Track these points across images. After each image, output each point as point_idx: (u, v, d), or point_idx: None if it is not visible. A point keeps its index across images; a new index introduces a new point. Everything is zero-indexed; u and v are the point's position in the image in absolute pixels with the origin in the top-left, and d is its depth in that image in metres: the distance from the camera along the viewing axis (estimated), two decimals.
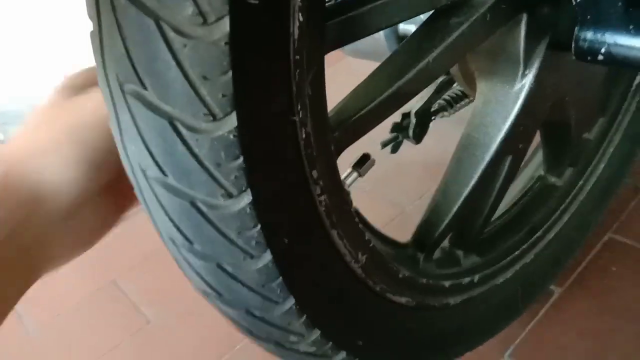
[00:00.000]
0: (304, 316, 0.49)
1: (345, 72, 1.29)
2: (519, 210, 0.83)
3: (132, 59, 0.35)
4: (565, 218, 0.85)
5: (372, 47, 0.72)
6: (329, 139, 0.47)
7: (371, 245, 0.54)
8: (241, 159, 0.37)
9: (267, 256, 0.43)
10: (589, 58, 0.54)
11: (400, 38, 0.71)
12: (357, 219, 0.52)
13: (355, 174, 0.57)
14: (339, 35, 0.47)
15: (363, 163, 0.57)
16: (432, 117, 0.81)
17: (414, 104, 0.82)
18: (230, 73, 0.34)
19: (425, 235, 0.67)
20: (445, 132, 0.88)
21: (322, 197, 0.46)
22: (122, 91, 0.36)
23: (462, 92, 0.84)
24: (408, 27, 0.69)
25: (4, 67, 1.74)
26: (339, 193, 0.50)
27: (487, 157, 0.63)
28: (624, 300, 0.87)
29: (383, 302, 0.59)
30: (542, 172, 0.84)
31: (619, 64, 0.53)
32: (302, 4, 0.37)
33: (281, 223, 0.44)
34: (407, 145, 0.86)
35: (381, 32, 0.72)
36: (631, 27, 0.51)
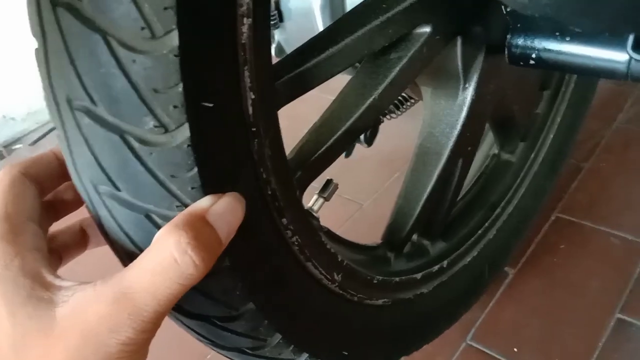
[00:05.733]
0: (292, 346, 0.51)
1: None
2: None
3: (81, 76, 0.34)
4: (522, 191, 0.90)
5: None
6: (293, 185, 0.48)
7: (345, 263, 0.56)
8: None
9: (251, 307, 0.44)
10: (521, 63, 0.58)
11: None
12: (328, 245, 0.54)
13: (321, 200, 0.59)
14: (289, 92, 0.48)
15: (327, 188, 0.59)
16: (382, 119, 0.85)
17: None
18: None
19: (393, 236, 0.70)
20: (394, 130, 0.92)
21: (294, 238, 0.47)
22: (71, 107, 0.35)
23: (408, 94, 0.88)
24: None
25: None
26: (309, 228, 0.51)
27: (441, 163, 0.67)
28: (571, 276, 0.91)
29: (362, 309, 0.62)
30: (496, 151, 0.90)
31: (550, 68, 0.57)
32: (252, 85, 0.39)
33: (260, 274, 0.45)
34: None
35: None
36: (557, 33, 0.55)
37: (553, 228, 1.01)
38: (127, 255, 0.40)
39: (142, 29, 0.32)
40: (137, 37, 0.32)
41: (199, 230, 0.34)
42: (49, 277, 0.35)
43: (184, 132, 0.34)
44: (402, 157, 1.18)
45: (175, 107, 0.34)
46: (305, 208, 0.56)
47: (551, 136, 0.92)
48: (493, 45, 0.62)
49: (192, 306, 0.43)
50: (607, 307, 0.86)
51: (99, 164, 0.36)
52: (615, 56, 0.52)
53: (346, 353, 0.60)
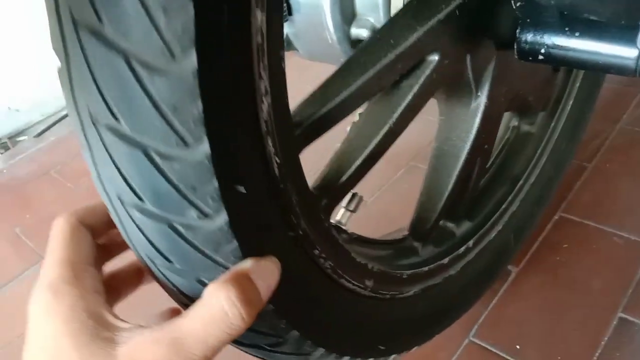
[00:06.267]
0: (334, 354, 0.56)
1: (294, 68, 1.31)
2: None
3: (104, 94, 0.36)
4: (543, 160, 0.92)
5: (326, 51, 0.75)
6: (321, 218, 0.52)
7: (375, 269, 0.60)
8: None
9: (295, 334, 0.50)
10: (530, 58, 0.58)
11: (352, 41, 0.74)
12: (358, 258, 0.57)
13: (348, 213, 0.62)
14: (308, 137, 0.51)
15: (353, 201, 0.63)
16: None
17: None
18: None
19: (419, 229, 0.73)
20: None
21: (327, 263, 0.52)
22: (95, 125, 0.38)
23: None
24: (359, 31, 0.72)
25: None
26: (339, 249, 0.55)
27: (459, 165, 0.69)
28: (574, 275, 0.93)
29: (394, 304, 0.66)
30: (515, 123, 0.91)
31: (558, 63, 0.58)
32: (275, 151, 0.42)
33: (300, 306, 0.50)
34: None
35: (334, 36, 0.75)
36: (567, 28, 0.55)
37: (556, 227, 1.02)
38: (179, 300, 0.45)
39: (177, 141, 0.36)
40: (174, 148, 0.36)
41: (245, 287, 0.39)
42: (110, 318, 0.39)
43: (223, 217, 0.39)
44: (406, 154, 1.18)
45: (212, 198, 0.38)
46: (334, 222, 0.60)
47: (571, 102, 0.92)
48: (503, 44, 0.62)
49: (243, 339, 0.48)
50: (609, 306, 0.87)
51: (153, 245, 0.41)
52: (624, 52, 0.52)
53: (383, 347, 0.64)
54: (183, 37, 0.33)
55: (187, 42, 0.33)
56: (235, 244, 0.40)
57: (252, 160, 0.41)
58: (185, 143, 0.36)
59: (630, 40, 0.51)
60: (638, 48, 0.50)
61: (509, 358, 0.83)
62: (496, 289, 0.93)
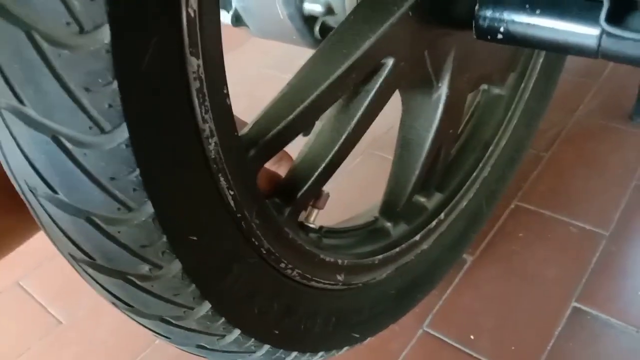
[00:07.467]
0: (308, 353, 0.58)
1: (251, 51, 1.27)
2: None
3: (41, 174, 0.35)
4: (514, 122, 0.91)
5: (278, 28, 0.71)
6: (284, 231, 0.52)
7: (345, 263, 0.61)
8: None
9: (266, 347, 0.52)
10: (489, 37, 0.55)
11: (305, 18, 0.70)
12: (327, 258, 0.58)
13: (315, 210, 0.61)
14: (263, 156, 0.50)
15: (320, 199, 0.61)
16: None
17: None
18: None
19: (389, 210, 0.73)
20: None
21: (295, 272, 0.52)
22: (35, 195, 0.37)
23: None
24: (313, 7, 0.68)
25: None
26: (306, 256, 0.55)
27: (425, 151, 0.69)
28: (529, 264, 0.93)
29: (369, 290, 0.66)
30: (485, 86, 0.90)
31: (518, 42, 0.55)
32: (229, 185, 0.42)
33: (272, 321, 0.52)
34: None
35: (286, 13, 0.71)
36: (527, 5, 0.53)
37: (512, 216, 1.01)
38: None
39: (119, 207, 0.36)
40: (116, 214, 0.36)
41: None
42: None
43: (176, 265, 0.40)
44: (363, 141, 1.15)
45: (163, 252, 0.38)
46: (301, 220, 0.60)
47: (541, 60, 0.91)
48: (461, 24, 0.59)
49: None
50: (563, 296, 0.87)
51: (111, 293, 0.43)
52: (586, 31, 0.50)
53: (357, 335, 0.65)
54: (111, 113, 0.32)
55: (116, 117, 0.32)
56: (193, 286, 0.41)
57: (203, 205, 0.41)
58: (128, 208, 0.36)
59: (592, 18, 0.49)
60: (601, 25, 0.47)
61: (462, 348, 0.82)
62: (451, 278, 0.91)
